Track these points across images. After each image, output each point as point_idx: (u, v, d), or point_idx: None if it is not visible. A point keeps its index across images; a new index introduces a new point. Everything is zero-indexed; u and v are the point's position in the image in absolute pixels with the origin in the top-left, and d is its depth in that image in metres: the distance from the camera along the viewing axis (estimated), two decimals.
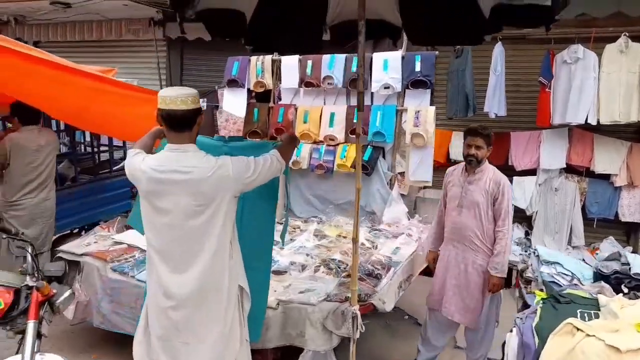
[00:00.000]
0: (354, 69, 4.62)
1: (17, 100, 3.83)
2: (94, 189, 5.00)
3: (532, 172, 5.47)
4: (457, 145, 5.63)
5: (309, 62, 4.79)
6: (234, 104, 5.08)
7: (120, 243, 3.58)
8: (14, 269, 2.52)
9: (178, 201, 2.03)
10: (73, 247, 3.51)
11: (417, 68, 4.38)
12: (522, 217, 5.65)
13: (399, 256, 3.48)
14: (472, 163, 3.07)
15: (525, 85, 5.55)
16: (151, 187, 2.04)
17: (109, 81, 3.78)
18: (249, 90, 5.06)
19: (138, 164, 2.08)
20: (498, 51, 5.12)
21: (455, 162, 5.33)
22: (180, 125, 2.06)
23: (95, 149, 5.39)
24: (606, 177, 5.24)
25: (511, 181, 5.51)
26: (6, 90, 3.74)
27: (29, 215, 3.90)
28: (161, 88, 6.36)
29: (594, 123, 4.82)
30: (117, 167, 5.38)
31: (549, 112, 5.02)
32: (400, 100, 4.55)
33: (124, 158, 5.51)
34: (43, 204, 3.98)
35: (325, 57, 4.74)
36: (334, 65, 4.69)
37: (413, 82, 4.37)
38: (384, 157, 4.65)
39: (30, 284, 2.36)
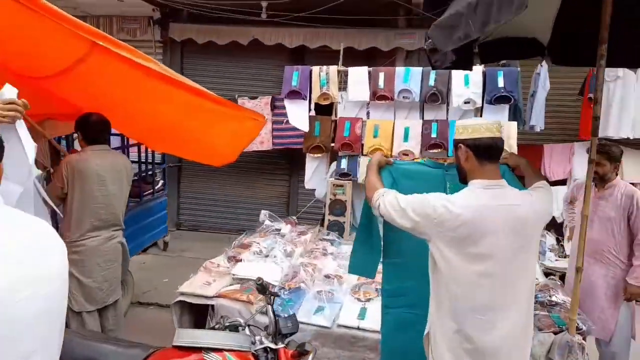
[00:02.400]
0: (431, 82, 4.54)
1: (86, 114, 3.18)
2: (141, 213, 4.35)
3: (562, 182, 5.81)
4: None
5: (381, 75, 4.61)
6: (296, 117, 4.73)
7: (246, 280, 3.14)
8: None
9: (498, 244, 1.78)
10: (195, 288, 3.00)
11: (500, 84, 4.41)
12: (552, 225, 5.97)
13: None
14: (594, 180, 3.12)
15: (565, 101, 5.90)
16: (466, 231, 1.76)
17: (204, 95, 3.26)
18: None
19: (440, 206, 1.78)
20: (545, 68, 5.36)
21: None
22: (498, 155, 1.84)
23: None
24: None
25: None
26: (81, 99, 3.11)
27: (89, 261, 3.11)
28: None
29: (632, 137, 5.24)
30: (157, 186, 4.75)
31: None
32: (478, 115, 4.56)
33: (162, 177, 4.89)
34: (106, 245, 3.21)
35: (400, 70, 4.60)
36: (409, 78, 4.57)
37: (496, 98, 4.41)
38: None
39: (272, 346, 1.96)
